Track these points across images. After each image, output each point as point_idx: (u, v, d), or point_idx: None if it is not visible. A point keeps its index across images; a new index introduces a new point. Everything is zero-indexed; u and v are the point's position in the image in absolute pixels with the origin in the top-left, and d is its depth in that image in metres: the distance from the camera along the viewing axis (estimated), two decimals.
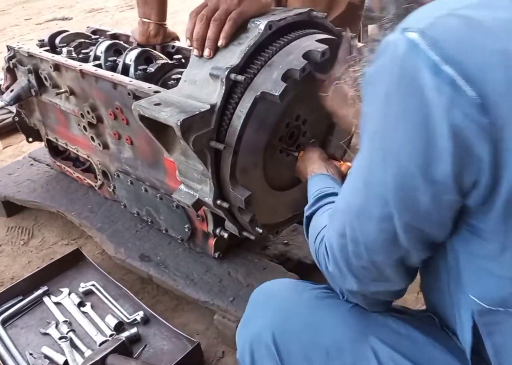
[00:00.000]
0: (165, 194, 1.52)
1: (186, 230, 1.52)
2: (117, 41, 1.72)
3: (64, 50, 1.67)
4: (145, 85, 1.34)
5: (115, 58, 1.59)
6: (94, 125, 1.63)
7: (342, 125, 1.20)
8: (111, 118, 1.52)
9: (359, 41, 2.05)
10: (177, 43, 1.75)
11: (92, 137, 1.67)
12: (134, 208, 1.70)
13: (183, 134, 1.02)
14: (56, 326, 1.49)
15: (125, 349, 1.34)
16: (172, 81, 1.41)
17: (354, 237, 0.71)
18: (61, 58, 1.62)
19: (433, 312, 0.86)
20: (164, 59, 1.58)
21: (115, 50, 1.65)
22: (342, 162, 1.17)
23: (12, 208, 2.08)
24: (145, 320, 1.49)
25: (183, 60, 1.56)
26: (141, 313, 1.50)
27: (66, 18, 5.51)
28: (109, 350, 1.30)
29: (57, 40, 1.80)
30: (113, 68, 1.56)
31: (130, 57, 1.53)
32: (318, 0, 1.59)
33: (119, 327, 1.46)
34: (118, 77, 1.43)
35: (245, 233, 1.30)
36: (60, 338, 1.44)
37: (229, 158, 1.11)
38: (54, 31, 1.85)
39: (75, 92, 1.63)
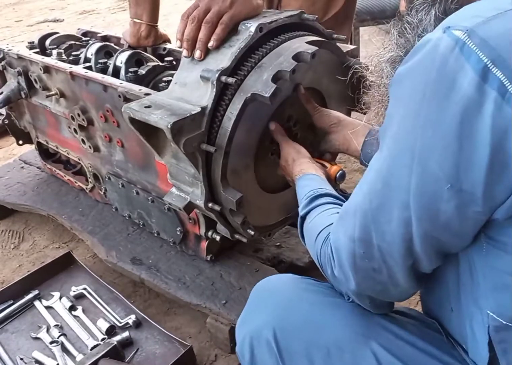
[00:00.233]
0: (156, 197, 1.51)
1: (178, 233, 1.51)
2: (107, 43, 1.72)
3: (54, 52, 1.66)
4: (135, 88, 1.34)
5: (106, 60, 1.58)
6: (84, 128, 1.62)
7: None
8: (102, 121, 1.52)
9: (350, 43, 2.07)
10: (168, 45, 1.74)
11: (82, 140, 1.66)
12: (126, 211, 1.69)
13: (173, 137, 1.02)
14: (47, 331, 1.48)
15: (117, 353, 1.33)
16: (163, 84, 1.41)
17: (367, 239, 0.68)
18: (51, 60, 1.62)
19: (434, 319, 0.84)
20: (155, 61, 1.58)
21: (106, 52, 1.65)
22: (331, 165, 1.17)
23: (3, 212, 2.07)
24: (137, 324, 1.48)
25: (174, 62, 1.56)
26: (133, 317, 1.49)
27: (57, 20, 5.48)
28: (100, 354, 1.29)
29: (47, 42, 1.79)
30: (103, 70, 1.55)
31: (121, 59, 1.53)
32: None
33: (111, 331, 1.45)
34: (108, 79, 1.43)
35: (237, 236, 1.30)
36: (51, 343, 1.43)
37: (220, 160, 1.11)
38: (44, 33, 1.84)
39: (65, 95, 1.62)
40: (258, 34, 1.12)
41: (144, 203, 1.57)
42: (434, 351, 0.79)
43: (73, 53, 1.69)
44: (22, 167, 2.17)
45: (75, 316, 1.53)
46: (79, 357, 1.38)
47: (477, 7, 0.57)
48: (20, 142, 2.05)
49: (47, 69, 1.62)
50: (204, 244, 1.49)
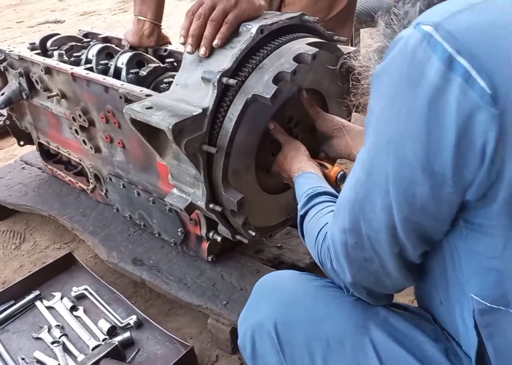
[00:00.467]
0: (157, 198, 1.51)
1: (179, 233, 1.52)
2: (108, 44, 1.72)
3: (56, 53, 1.67)
4: (137, 89, 1.34)
5: (107, 61, 1.59)
6: (85, 129, 1.62)
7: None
8: (103, 122, 1.52)
9: (351, 44, 2.07)
10: (169, 47, 1.75)
11: (84, 141, 1.66)
12: (127, 211, 1.70)
13: (175, 138, 1.02)
14: (49, 331, 1.48)
15: (118, 353, 1.34)
16: (164, 85, 1.41)
17: (357, 229, 0.71)
18: (52, 61, 1.62)
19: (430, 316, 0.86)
20: (156, 63, 1.58)
21: (107, 53, 1.65)
22: (332, 166, 1.17)
23: (4, 212, 2.07)
24: (138, 324, 1.49)
25: (175, 64, 1.56)
26: (134, 317, 1.49)
27: (58, 21, 5.49)
28: (102, 354, 1.29)
29: (49, 43, 1.79)
30: (104, 71, 1.55)
31: (122, 60, 1.53)
32: None
33: (112, 331, 1.46)
34: (109, 80, 1.43)
35: (238, 237, 1.30)
36: (52, 343, 1.43)
37: (221, 161, 1.11)
38: (46, 34, 1.85)
39: (67, 96, 1.63)
40: (259, 35, 1.12)
41: (145, 204, 1.57)
42: (431, 342, 0.80)
43: (74, 54, 1.69)
44: (23, 167, 2.17)
45: (76, 317, 1.53)
46: (81, 357, 1.38)
47: (449, 3, 0.60)
48: (21, 143, 2.06)
49: (48, 70, 1.62)
50: (205, 245, 1.50)
